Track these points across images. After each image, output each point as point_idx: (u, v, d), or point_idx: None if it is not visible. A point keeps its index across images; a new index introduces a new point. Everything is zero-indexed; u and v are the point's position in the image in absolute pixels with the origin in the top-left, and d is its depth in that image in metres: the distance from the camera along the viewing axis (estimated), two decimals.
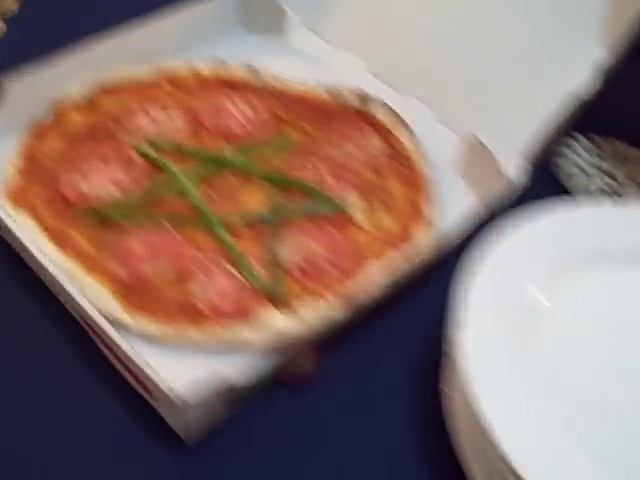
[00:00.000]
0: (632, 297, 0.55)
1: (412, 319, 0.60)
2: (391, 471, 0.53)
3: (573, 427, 0.48)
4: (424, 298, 0.61)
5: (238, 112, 0.70)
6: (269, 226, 0.62)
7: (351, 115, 0.71)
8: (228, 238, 0.60)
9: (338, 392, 0.56)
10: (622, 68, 0.69)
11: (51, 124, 0.67)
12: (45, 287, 0.58)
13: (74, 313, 0.56)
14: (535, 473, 0.46)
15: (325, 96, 0.72)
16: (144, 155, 0.65)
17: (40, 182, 0.63)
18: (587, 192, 0.71)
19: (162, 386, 0.49)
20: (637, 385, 0.51)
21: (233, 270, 0.59)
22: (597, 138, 0.75)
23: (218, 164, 0.65)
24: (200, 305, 0.56)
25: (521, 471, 0.46)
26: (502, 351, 0.51)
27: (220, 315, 0.56)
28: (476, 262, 0.54)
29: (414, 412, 0.56)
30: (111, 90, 0.71)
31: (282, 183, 0.65)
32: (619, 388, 0.50)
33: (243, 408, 0.54)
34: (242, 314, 0.56)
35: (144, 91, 0.71)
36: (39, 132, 0.67)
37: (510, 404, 0.48)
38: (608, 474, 0.47)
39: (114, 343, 0.51)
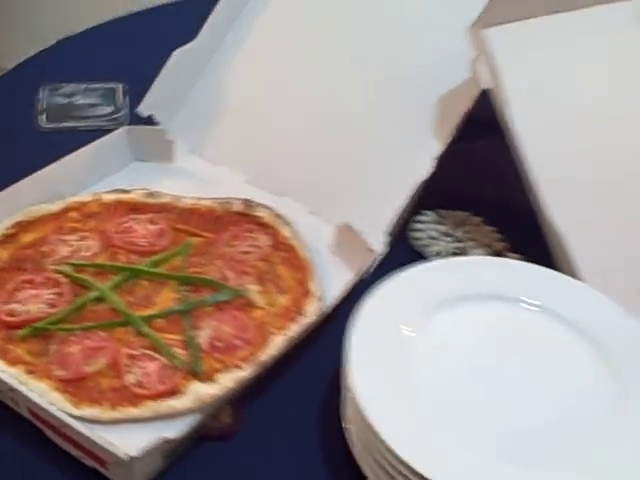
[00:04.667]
0: (480, 325, 0.70)
1: (312, 369, 0.73)
2: None
3: (443, 420, 0.62)
4: (319, 351, 0.74)
5: (143, 229, 0.83)
6: (183, 317, 0.74)
7: (239, 219, 0.85)
8: (151, 332, 0.72)
9: (254, 440, 0.68)
10: (448, 154, 0.86)
11: None
12: None
13: (21, 410, 0.66)
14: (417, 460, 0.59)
15: (215, 206, 0.86)
16: (67, 276, 0.77)
17: None
18: (440, 256, 0.86)
19: (112, 449, 0.60)
20: (487, 385, 0.65)
21: (160, 357, 0.70)
22: (441, 211, 0.91)
23: (133, 274, 0.77)
24: (136, 390, 0.67)
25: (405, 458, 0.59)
26: (385, 380, 0.64)
27: (153, 394, 0.67)
28: (357, 315, 0.68)
29: (322, 447, 0.68)
30: (29, 225, 0.82)
31: (189, 281, 0.77)
32: (479, 392, 0.65)
33: (176, 460, 0.65)
34: (171, 390, 0.67)
35: (58, 222, 0.83)
36: None
37: (395, 415, 0.62)
38: (480, 455, 0.60)
39: (67, 426, 0.61)
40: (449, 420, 0.63)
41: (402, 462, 0.60)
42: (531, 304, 0.72)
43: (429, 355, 0.67)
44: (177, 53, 0.93)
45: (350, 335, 0.67)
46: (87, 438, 0.61)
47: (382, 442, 0.61)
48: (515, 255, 0.85)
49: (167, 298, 0.76)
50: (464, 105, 0.83)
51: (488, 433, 0.62)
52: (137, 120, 0.96)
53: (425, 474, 0.59)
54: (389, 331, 0.68)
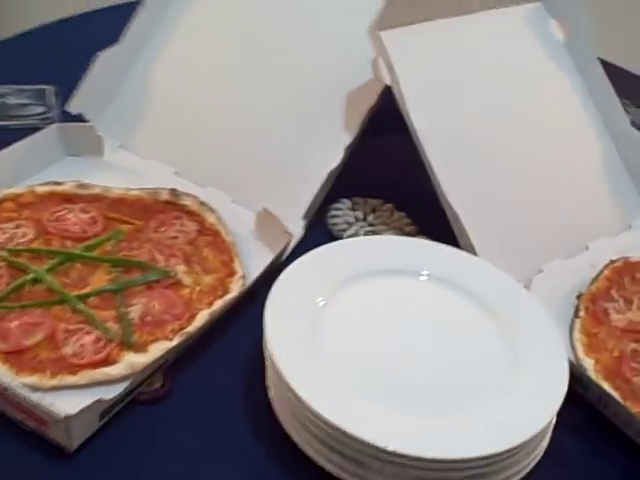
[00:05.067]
0: (384, 295, 0.78)
1: (237, 342, 0.80)
2: (232, 461, 0.71)
3: (352, 377, 0.70)
4: (243, 326, 0.81)
5: (76, 218, 0.88)
6: (115, 295, 0.80)
7: (167, 207, 0.91)
8: (85, 309, 0.77)
9: (183, 404, 0.74)
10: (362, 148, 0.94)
11: None
12: None
13: None
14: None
15: (144, 196, 0.92)
16: (5, 260, 0.82)
17: None
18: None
19: (51, 409, 0.66)
20: (390, 346, 0.73)
21: (94, 331, 0.76)
22: (356, 199, 0.99)
23: (67, 258, 0.83)
24: (73, 360, 0.73)
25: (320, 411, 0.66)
26: (300, 345, 0.72)
27: (89, 363, 0.73)
28: (274, 289, 0.75)
29: (245, 409, 0.75)
30: None
31: (121, 264, 0.83)
32: (382, 353, 0.73)
33: (111, 421, 0.71)
34: (106, 359, 0.73)
35: None
36: None
37: (308, 370, 0.69)
38: (386, 407, 0.68)
39: (9, 389, 0.67)
40: (357, 378, 0.70)
41: (317, 416, 0.67)
42: (430, 276, 0.80)
43: (339, 322, 0.75)
44: (103, 54, 0.98)
45: (268, 306, 0.74)
46: (28, 400, 0.66)
47: (298, 399, 0.68)
48: (424, 237, 0.93)
49: (100, 279, 0.82)
50: (369, 100, 0.92)
51: (390, 387, 0.70)
52: (67, 119, 1.01)
53: (340, 425, 0.66)
54: (303, 302, 0.75)
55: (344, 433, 0.66)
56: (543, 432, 0.70)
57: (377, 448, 0.66)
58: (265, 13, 0.99)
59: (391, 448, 0.66)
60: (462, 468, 0.67)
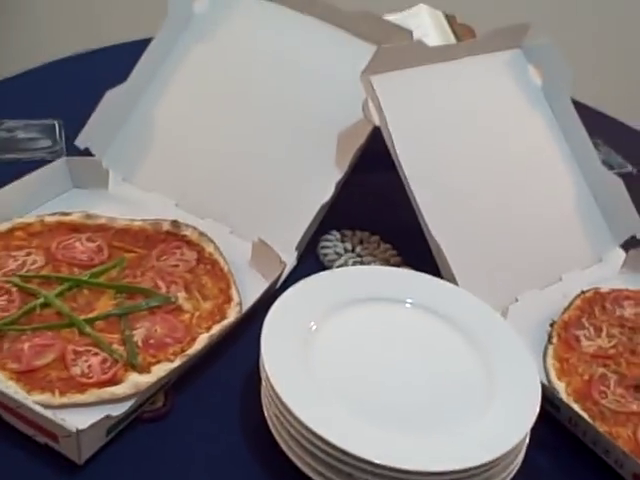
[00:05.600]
0: (371, 321, 0.84)
1: (234, 364, 0.86)
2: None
3: (342, 396, 0.76)
4: (240, 349, 0.87)
5: (83, 246, 0.94)
6: (120, 319, 0.85)
7: (168, 237, 0.97)
8: (93, 331, 0.83)
9: (184, 421, 0.80)
10: (351, 184, 1.00)
11: None
12: None
13: None
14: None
15: (146, 226, 0.98)
16: (17, 286, 0.87)
17: None
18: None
19: (63, 424, 0.71)
20: (376, 367, 0.79)
21: (101, 352, 0.81)
22: (345, 231, 1.06)
23: (75, 284, 0.89)
24: (81, 379, 0.78)
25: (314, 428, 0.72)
26: (293, 365, 0.77)
27: (97, 383, 0.78)
28: (270, 314, 0.81)
29: (242, 426, 0.80)
30: None
31: (125, 290, 0.89)
32: (369, 373, 0.78)
33: (116, 437, 0.76)
34: (112, 379, 0.79)
35: (6, 241, 0.93)
36: None
37: (302, 390, 0.75)
38: (364, 421, 0.74)
39: (23, 406, 0.72)
40: (347, 397, 0.76)
41: (309, 431, 0.72)
42: (414, 304, 0.87)
43: (329, 345, 0.80)
44: (110, 93, 1.05)
45: (264, 330, 0.79)
46: (41, 416, 0.71)
47: (292, 416, 0.73)
48: (408, 268, 1.00)
49: (106, 304, 0.88)
50: (359, 139, 0.99)
51: (377, 406, 0.76)
52: (73, 152, 1.07)
53: (330, 440, 0.71)
54: (296, 326, 0.81)
55: (334, 447, 0.71)
56: (517, 448, 0.76)
57: (365, 461, 0.71)
58: (264, 58, 1.06)
59: (377, 461, 0.71)
60: None
